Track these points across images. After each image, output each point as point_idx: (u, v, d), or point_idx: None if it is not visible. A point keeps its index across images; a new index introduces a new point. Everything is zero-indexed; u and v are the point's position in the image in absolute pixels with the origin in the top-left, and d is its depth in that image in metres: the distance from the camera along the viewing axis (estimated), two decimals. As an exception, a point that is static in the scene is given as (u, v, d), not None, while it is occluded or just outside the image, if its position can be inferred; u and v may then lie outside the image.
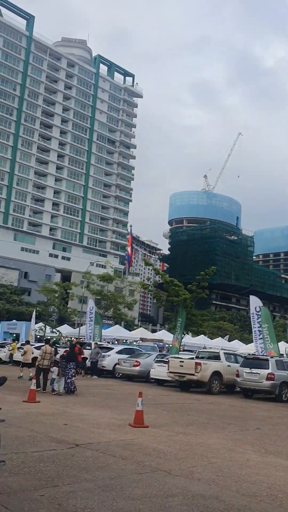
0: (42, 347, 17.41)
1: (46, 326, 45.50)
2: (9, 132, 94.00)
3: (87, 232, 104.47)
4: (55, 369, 16.41)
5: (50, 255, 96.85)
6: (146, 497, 5.41)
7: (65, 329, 47.52)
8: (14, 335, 43.19)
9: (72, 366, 16.81)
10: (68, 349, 18.98)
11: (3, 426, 9.11)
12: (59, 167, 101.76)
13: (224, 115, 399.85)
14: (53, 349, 17.44)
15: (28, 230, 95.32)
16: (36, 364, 17.03)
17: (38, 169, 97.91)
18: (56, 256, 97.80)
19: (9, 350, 31.47)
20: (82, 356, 22.24)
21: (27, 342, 25.07)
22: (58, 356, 17.38)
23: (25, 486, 5.55)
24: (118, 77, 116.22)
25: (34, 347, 30.01)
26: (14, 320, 48.71)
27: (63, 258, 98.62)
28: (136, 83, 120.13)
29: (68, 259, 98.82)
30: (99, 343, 29.03)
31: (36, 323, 42.04)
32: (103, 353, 25.53)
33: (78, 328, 43.39)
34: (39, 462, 6.67)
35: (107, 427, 10.03)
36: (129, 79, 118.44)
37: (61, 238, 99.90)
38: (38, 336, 42.32)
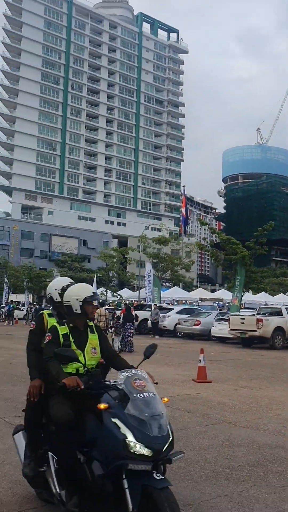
0: (97, 310, 17.85)
1: (107, 290, 46.58)
2: (58, 101, 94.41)
3: (140, 196, 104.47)
4: (112, 329, 17.06)
5: (106, 221, 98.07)
6: (213, 447, 5.51)
7: (125, 292, 48.48)
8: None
9: (129, 327, 17.25)
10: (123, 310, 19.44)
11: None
12: (109, 132, 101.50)
13: (275, 64, 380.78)
14: (107, 311, 17.88)
15: (83, 199, 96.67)
16: None
17: (89, 136, 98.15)
18: (112, 223, 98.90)
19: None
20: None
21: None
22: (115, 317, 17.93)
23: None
24: (161, 34, 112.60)
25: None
26: (76, 286, 50.16)
27: (118, 224, 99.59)
28: (181, 39, 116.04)
29: (124, 224, 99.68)
30: (158, 304, 29.41)
31: (97, 288, 43.18)
32: (163, 314, 25.90)
33: (137, 291, 44.11)
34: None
35: (171, 382, 10.24)
36: (173, 35, 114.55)
37: (115, 204, 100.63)
38: (100, 301, 43.44)
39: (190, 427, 6.41)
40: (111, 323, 18.11)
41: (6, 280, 55.05)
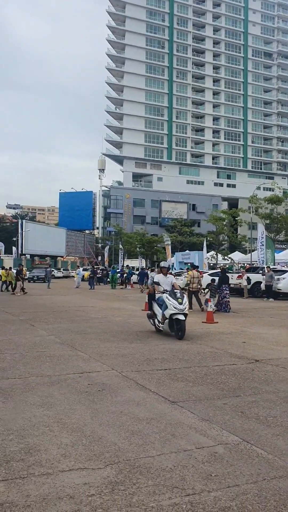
0: (189, 272, 19.05)
1: (218, 254, 46.21)
2: (164, 65, 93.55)
3: (251, 155, 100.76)
4: (206, 291, 18.04)
5: (215, 184, 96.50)
6: None
7: (236, 255, 47.71)
8: (189, 264, 44.87)
9: (224, 288, 17.86)
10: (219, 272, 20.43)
11: (186, 343, 9.72)
12: (216, 92, 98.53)
13: None
14: (199, 273, 19.32)
15: (192, 162, 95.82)
16: (187, 287, 18.44)
17: (195, 98, 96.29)
18: (221, 185, 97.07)
19: (185, 277, 32.90)
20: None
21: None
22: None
23: (209, 395, 5.86)
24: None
25: (208, 274, 30.94)
26: (187, 251, 50.54)
27: (228, 186, 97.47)
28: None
29: (234, 186, 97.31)
30: (272, 266, 28.47)
31: (207, 252, 42.99)
32: (277, 276, 25.07)
33: (249, 254, 43.12)
34: (221, 375, 6.96)
35: (286, 344, 9.94)
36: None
37: (224, 165, 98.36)
38: (211, 264, 43.33)
39: (307, 388, 6.19)
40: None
41: (121, 246, 57.15)
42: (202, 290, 18.52)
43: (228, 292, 18.24)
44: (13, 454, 3.95)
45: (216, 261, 44.50)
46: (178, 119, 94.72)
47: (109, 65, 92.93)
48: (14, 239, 75.54)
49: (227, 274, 19.46)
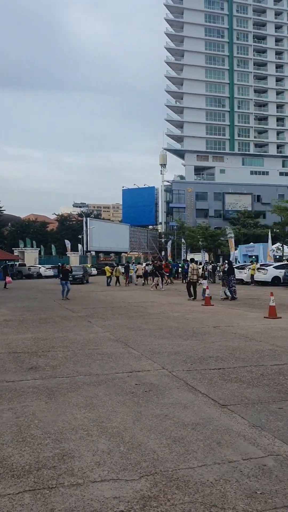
0: (190, 265, 20.58)
1: (283, 245, 44.52)
2: (224, 55, 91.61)
3: None
4: (204, 282, 20.52)
5: (281, 173, 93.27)
6: None
7: (304, 247, 45.73)
8: (254, 256, 43.67)
9: (232, 278, 19.81)
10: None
11: (244, 340, 9.24)
12: (279, 78, 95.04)
13: None
14: (198, 266, 21.57)
15: (255, 152, 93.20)
16: (188, 279, 20.40)
17: (257, 87, 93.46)
18: (287, 174, 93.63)
19: (251, 269, 31.99)
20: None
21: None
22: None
23: (263, 398, 5.41)
24: None
25: (273, 267, 29.86)
26: (251, 243, 49.18)
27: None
28: None
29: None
30: None
31: (273, 243, 41.54)
32: None
33: None
34: (279, 375, 6.46)
35: None
36: None
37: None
38: (277, 256, 41.82)
39: None
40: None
41: (183, 240, 56.69)
42: (198, 281, 20.36)
43: (234, 281, 20.48)
44: (46, 460, 3.77)
45: (282, 253, 42.88)
46: (240, 109, 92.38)
47: (168, 58, 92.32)
48: (80, 236, 77.22)
49: (233, 266, 21.58)
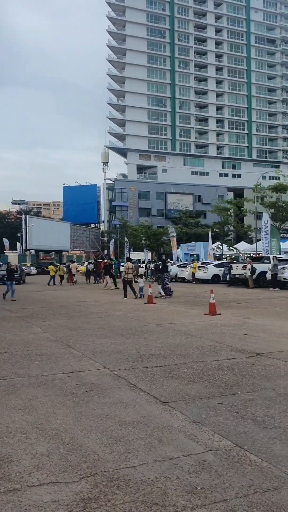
0: (125, 264, 21.28)
1: (223, 244, 45.71)
2: (165, 55, 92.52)
3: (256, 144, 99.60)
4: (140, 280, 20.70)
5: (220, 174, 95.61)
6: None
7: (242, 246, 47.18)
8: (195, 255, 44.52)
9: (166, 276, 20.61)
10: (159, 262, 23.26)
11: (185, 337, 9.36)
12: (219, 81, 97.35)
13: None
14: (134, 264, 22.31)
15: (196, 153, 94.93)
16: (122, 277, 20.76)
17: (198, 88, 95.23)
18: (226, 175, 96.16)
19: (191, 267, 32.56)
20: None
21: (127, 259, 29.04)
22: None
23: (204, 393, 5.49)
24: None
25: (213, 265, 30.50)
26: (192, 242, 50.10)
27: (233, 176, 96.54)
28: None
29: (239, 176, 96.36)
30: (278, 256, 28.00)
31: (213, 242, 42.53)
32: (282, 266, 24.61)
33: (255, 244, 42.57)
34: (218, 371, 6.58)
35: (289, 336, 9.55)
36: None
37: (229, 155, 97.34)
38: (217, 255, 42.86)
39: (309, 384, 5.79)
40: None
41: (126, 239, 56.76)
42: (135, 280, 20.94)
43: (168, 279, 21.35)
44: (-19, 467, 3.61)
45: (222, 252, 44.00)
46: (181, 109, 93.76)
47: (110, 56, 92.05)
48: (19, 234, 75.42)
49: (166, 264, 22.23)
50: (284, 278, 24.43)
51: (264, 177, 59.67)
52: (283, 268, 24.52)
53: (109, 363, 7.15)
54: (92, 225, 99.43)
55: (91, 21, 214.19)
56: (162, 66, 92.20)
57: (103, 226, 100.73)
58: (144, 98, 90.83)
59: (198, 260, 39.75)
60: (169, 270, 23.54)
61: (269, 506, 2.98)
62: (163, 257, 30.37)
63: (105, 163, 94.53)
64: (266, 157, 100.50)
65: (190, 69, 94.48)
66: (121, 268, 39.22)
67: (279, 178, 60.91)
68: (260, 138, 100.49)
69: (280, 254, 31.27)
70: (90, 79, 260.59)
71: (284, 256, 28.97)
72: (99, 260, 39.03)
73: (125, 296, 19.87)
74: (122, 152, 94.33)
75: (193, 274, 31.75)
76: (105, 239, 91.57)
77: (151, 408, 4.95)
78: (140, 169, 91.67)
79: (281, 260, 25.92)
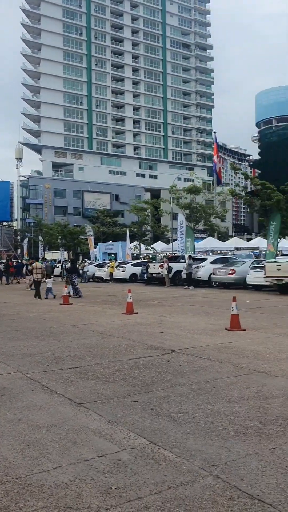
0: (33, 264, 21.82)
1: (141, 244, 46.30)
2: (82, 53, 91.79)
3: (171, 146, 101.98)
4: (49, 280, 20.75)
5: (137, 175, 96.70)
6: (244, 400, 5.10)
7: (159, 245, 48.06)
8: (113, 254, 44.62)
9: (75, 276, 21.02)
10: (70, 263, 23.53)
11: (102, 337, 9.32)
12: (135, 82, 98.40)
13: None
14: (42, 265, 22.84)
15: (113, 152, 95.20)
16: (32, 277, 21.50)
17: (115, 88, 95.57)
18: (143, 175, 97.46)
19: (109, 267, 32.61)
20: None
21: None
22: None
23: (119, 392, 5.50)
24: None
25: (131, 264, 30.74)
26: (110, 241, 50.19)
27: (150, 176, 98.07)
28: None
29: (155, 177, 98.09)
30: (192, 255, 28.90)
31: (131, 242, 42.91)
32: (196, 264, 25.43)
33: (171, 244, 43.61)
34: (134, 369, 6.63)
35: (203, 332, 9.87)
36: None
37: (145, 156, 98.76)
38: (135, 254, 43.32)
39: (220, 378, 6.01)
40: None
41: (40, 238, 55.55)
42: (43, 280, 20.89)
43: (78, 279, 21.85)
44: None
45: (139, 251, 44.55)
46: (98, 108, 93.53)
47: (24, 50, 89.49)
48: None
49: (76, 265, 23.37)
50: (198, 277, 25.26)
51: (179, 179, 61.32)
52: (197, 267, 25.35)
53: (22, 366, 6.94)
54: (5, 223, 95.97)
55: (4, 12, 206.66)
56: (79, 64, 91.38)
57: (16, 225, 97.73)
58: (60, 95, 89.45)
59: (116, 259, 39.90)
60: (79, 270, 24.15)
61: (182, 500, 3.04)
62: (72, 257, 30.78)
63: (19, 159, 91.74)
64: (181, 159, 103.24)
65: (107, 68, 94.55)
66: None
67: (193, 180, 62.94)
68: (176, 140, 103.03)
69: (194, 253, 32.27)
70: (3, 73, 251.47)
71: (198, 256, 29.95)
72: (13, 260, 37.93)
73: (38, 296, 19.76)
74: (37, 149, 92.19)
75: (111, 273, 31.83)
76: (19, 238, 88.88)
77: (65, 410, 4.87)
78: (56, 166, 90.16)
79: (195, 260, 26.75)
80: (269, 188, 27.54)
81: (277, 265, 19.67)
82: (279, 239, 27.78)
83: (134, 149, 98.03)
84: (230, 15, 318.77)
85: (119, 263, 33.70)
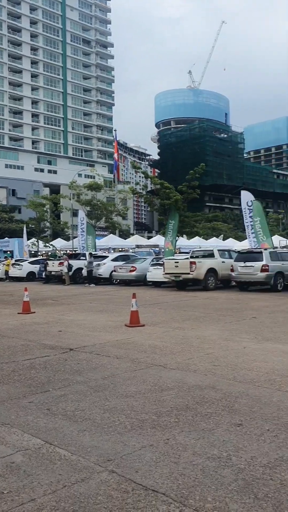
0: None
1: (39, 241, 45.27)
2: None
3: (71, 142, 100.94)
4: None
5: (36, 169, 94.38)
6: (140, 393, 5.20)
7: (58, 242, 47.38)
8: (9, 252, 43.11)
9: None
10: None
11: (-4, 338, 8.96)
12: (34, 74, 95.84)
13: (208, 2, 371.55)
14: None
15: (10, 146, 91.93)
16: None
17: (12, 79, 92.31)
18: (42, 170, 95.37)
19: (5, 265, 31.48)
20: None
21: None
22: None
23: (14, 394, 5.33)
24: None
25: (28, 262, 29.98)
26: (6, 238, 48.42)
27: (49, 171, 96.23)
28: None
29: (55, 172, 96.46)
30: (93, 253, 28.89)
31: (28, 239, 41.79)
32: (97, 262, 25.49)
33: (71, 241, 43.20)
34: (30, 370, 6.47)
35: (102, 329, 9.91)
36: None
37: (44, 151, 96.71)
38: (33, 252, 42.25)
39: (117, 374, 6.08)
40: None
41: None
42: None
43: None
44: None
45: (38, 249, 43.53)
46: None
47: None
48: None
49: None
50: (99, 274, 25.32)
51: (80, 175, 60.89)
52: (98, 265, 25.39)
53: None
54: None
55: None
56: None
57: None
58: None
59: (12, 257, 38.60)
60: None
61: (77, 498, 3.02)
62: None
63: None
64: (82, 156, 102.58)
65: (3, 58, 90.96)
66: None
67: (94, 177, 62.86)
68: (76, 136, 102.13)
69: (95, 251, 32.28)
70: None
71: (100, 253, 30.01)
72: None
73: None
74: None
75: (7, 271, 30.76)
76: None
77: None
78: None
79: (96, 257, 26.77)
80: (168, 188, 28.44)
81: (175, 262, 20.38)
82: (177, 237, 28.78)
83: (33, 143, 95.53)
84: (130, 15, 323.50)
85: (16, 260, 32.69)
